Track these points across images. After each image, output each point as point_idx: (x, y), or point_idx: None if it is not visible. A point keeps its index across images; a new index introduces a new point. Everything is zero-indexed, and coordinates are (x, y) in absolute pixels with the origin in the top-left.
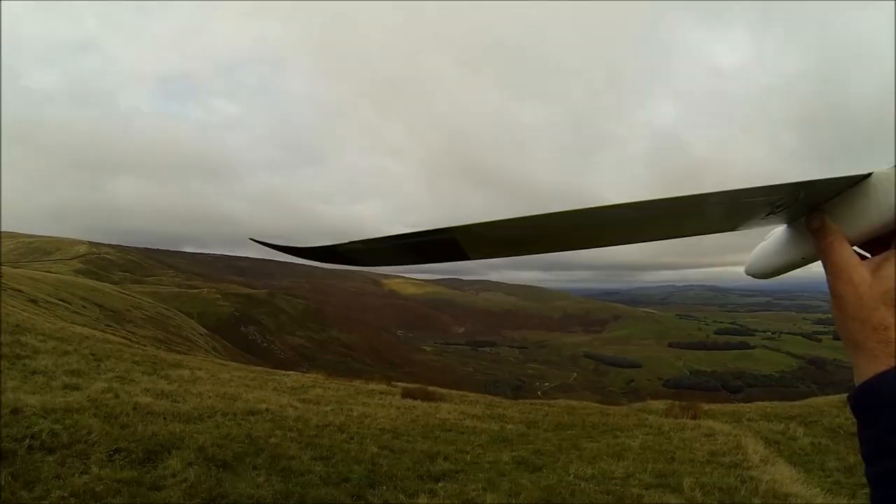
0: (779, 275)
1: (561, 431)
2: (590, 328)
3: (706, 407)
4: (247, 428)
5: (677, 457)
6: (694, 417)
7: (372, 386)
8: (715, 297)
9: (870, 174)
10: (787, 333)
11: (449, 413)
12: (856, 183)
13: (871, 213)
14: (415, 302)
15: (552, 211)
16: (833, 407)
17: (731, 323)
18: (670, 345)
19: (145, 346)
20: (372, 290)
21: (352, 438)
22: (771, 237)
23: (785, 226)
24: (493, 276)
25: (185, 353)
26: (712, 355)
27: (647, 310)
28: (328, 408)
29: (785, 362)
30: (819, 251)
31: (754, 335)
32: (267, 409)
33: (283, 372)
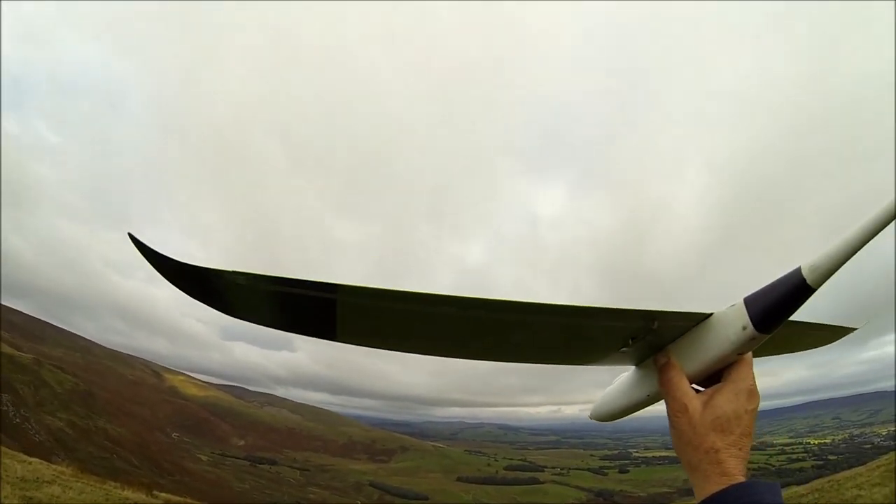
0: (624, 416)
1: None
2: (376, 457)
3: None
4: None
5: None
6: None
7: (127, 493)
8: (505, 435)
9: (711, 314)
10: (576, 469)
11: None
12: (698, 322)
13: (709, 351)
14: (195, 404)
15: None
16: None
17: (521, 459)
18: (459, 479)
19: None
20: (152, 383)
21: None
22: (616, 382)
23: (633, 369)
24: (280, 392)
25: None
26: (501, 490)
27: (436, 443)
28: None
29: (573, 495)
30: (661, 386)
31: (544, 471)
32: None
33: (24, 457)
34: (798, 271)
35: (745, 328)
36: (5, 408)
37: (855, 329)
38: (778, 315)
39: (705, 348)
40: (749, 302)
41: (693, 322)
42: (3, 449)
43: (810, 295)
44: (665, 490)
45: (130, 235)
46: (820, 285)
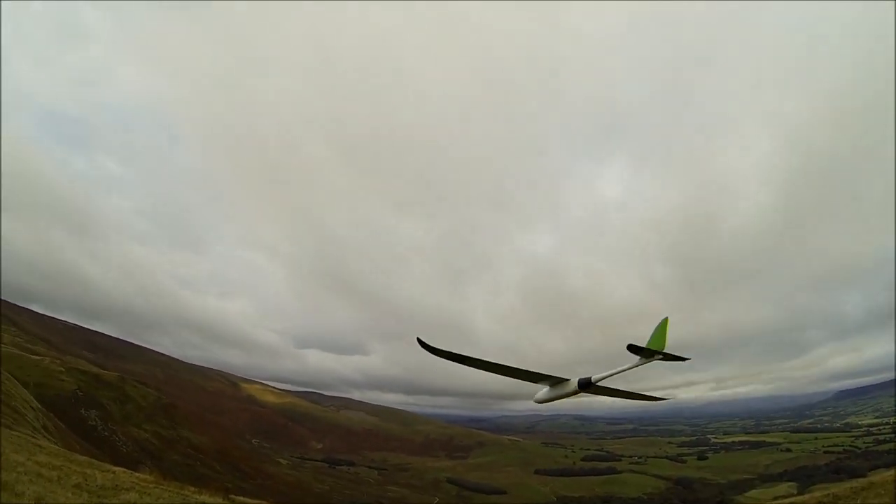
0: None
1: None
2: (454, 454)
3: None
4: None
5: None
6: None
7: (204, 497)
8: (581, 426)
9: (568, 379)
10: (653, 457)
11: None
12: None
13: (561, 392)
14: (272, 411)
15: None
16: None
17: (598, 449)
18: (537, 471)
19: None
20: (230, 393)
21: None
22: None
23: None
24: (356, 395)
25: (8, 427)
26: (579, 481)
27: (512, 437)
28: None
29: (652, 484)
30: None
31: (621, 460)
32: None
33: (107, 466)
34: (588, 378)
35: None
36: (93, 423)
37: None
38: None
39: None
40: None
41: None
42: (89, 460)
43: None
44: (746, 476)
45: (419, 340)
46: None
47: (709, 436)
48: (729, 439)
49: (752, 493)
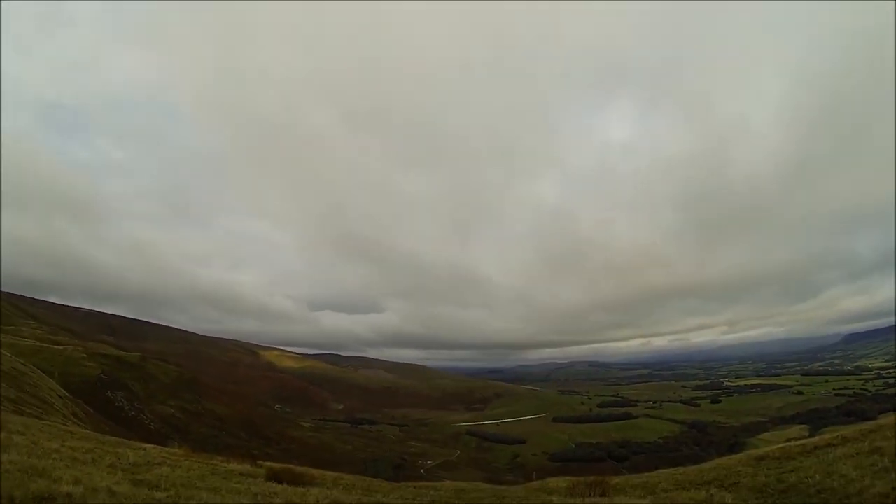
0: None
1: None
2: (472, 406)
3: (615, 481)
4: None
5: None
6: (603, 494)
7: (233, 465)
8: (597, 372)
9: None
10: (668, 402)
11: (317, 502)
12: None
13: None
14: (292, 376)
15: None
16: (746, 466)
17: (613, 395)
18: (554, 419)
19: None
20: (249, 361)
21: None
22: None
23: None
24: (373, 354)
25: (38, 417)
26: (596, 427)
27: (529, 387)
28: (162, 494)
29: (667, 428)
30: None
31: (636, 405)
32: (68, 495)
33: (137, 444)
34: None
35: None
36: (120, 404)
37: None
38: None
39: None
40: None
41: None
42: (120, 439)
43: None
44: (758, 419)
45: None
46: None
47: (722, 379)
48: (742, 383)
49: (765, 435)
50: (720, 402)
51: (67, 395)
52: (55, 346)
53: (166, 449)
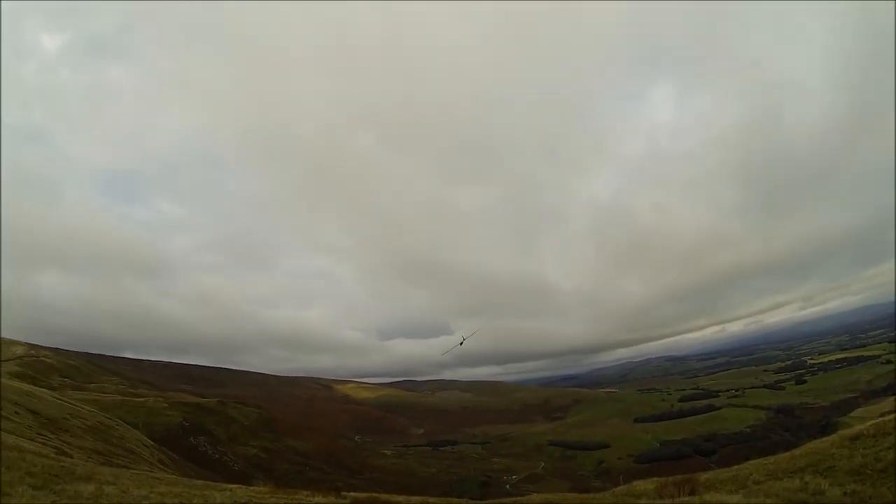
0: None
1: None
2: (552, 416)
3: (703, 477)
4: None
5: None
6: (692, 492)
7: (318, 499)
8: (673, 367)
9: None
10: (751, 388)
11: None
12: None
13: None
14: (369, 406)
15: None
16: (840, 447)
17: (693, 388)
18: (636, 420)
19: (71, 456)
20: (325, 396)
21: None
22: None
23: None
24: (448, 375)
25: (127, 467)
26: (680, 423)
27: (607, 390)
28: None
29: (753, 416)
30: None
31: (718, 396)
32: None
33: (223, 485)
34: None
35: None
36: (203, 448)
37: None
38: None
39: None
40: None
41: None
42: (206, 482)
43: None
44: (848, 395)
45: None
46: None
47: (804, 358)
48: (826, 359)
49: (858, 412)
50: (805, 381)
51: (153, 443)
52: (137, 399)
53: (252, 488)
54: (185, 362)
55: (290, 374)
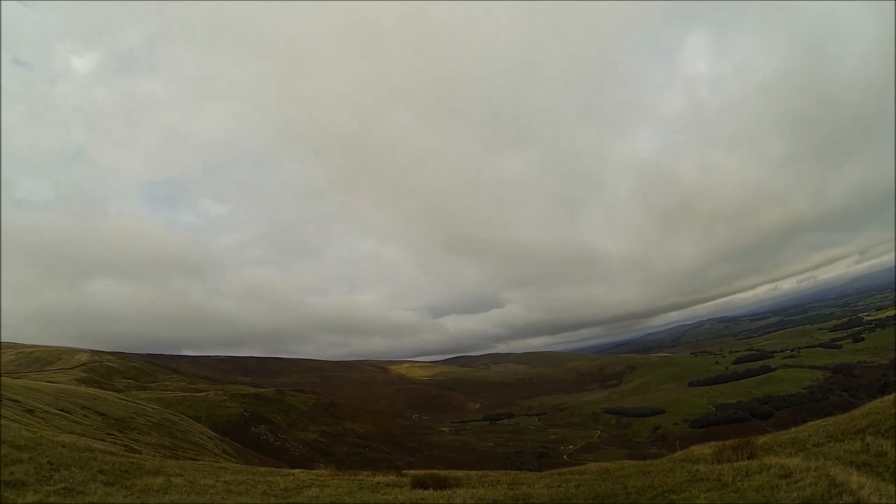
0: None
1: None
2: (606, 383)
3: (761, 440)
4: None
5: None
6: (751, 456)
7: (378, 478)
8: (726, 328)
9: None
10: (806, 348)
11: (464, 502)
12: None
13: None
14: (425, 384)
15: None
16: None
17: (747, 350)
18: (690, 384)
19: (140, 452)
20: (381, 378)
21: None
22: None
23: None
24: (502, 348)
25: (193, 459)
26: (735, 386)
27: (661, 354)
28: None
29: (810, 377)
30: None
31: (773, 357)
32: None
33: (286, 471)
34: None
35: None
36: (265, 436)
37: None
38: None
39: None
40: None
41: None
42: (269, 469)
43: None
44: None
45: None
46: None
47: (861, 315)
48: (883, 315)
49: None
50: (863, 339)
51: (216, 435)
52: (198, 394)
53: (313, 471)
54: (241, 355)
55: (345, 359)
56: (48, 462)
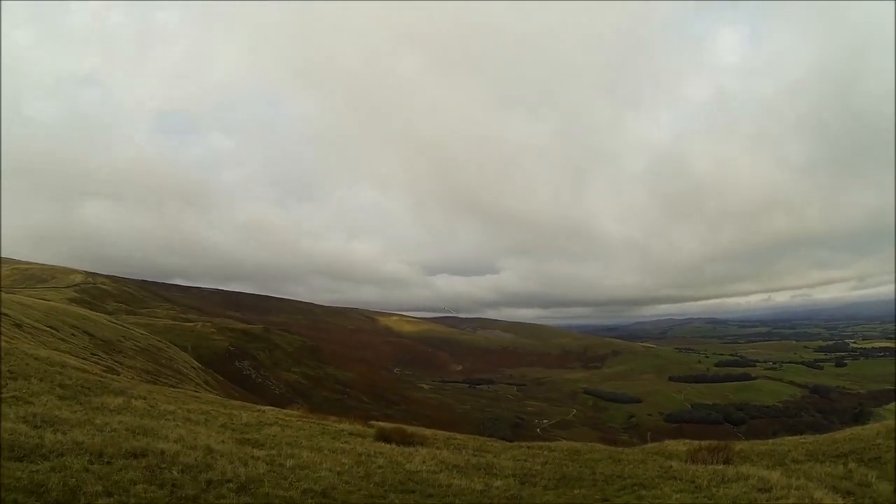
0: None
1: (565, 490)
2: (589, 364)
3: (738, 447)
4: (102, 473)
5: None
6: (727, 461)
7: (344, 425)
8: (714, 330)
9: None
10: (789, 363)
11: (423, 463)
12: None
13: None
14: (411, 339)
15: None
16: (886, 438)
17: (731, 354)
18: (671, 378)
19: (118, 373)
20: (369, 328)
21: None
22: None
23: None
24: (491, 314)
25: (172, 386)
26: (713, 388)
27: (646, 344)
28: (262, 452)
29: (787, 392)
30: None
31: (755, 366)
32: (161, 452)
33: (257, 407)
34: None
35: None
36: (247, 372)
37: None
38: None
39: None
40: None
41: None
42: (243, 403)
43: None
44: (886, 387)
45: None
46: None
47: (847, 340)
48: (869, 345)
49: (892, 405)
50: (845, 364)
51: (200, 366)
52: (187, 324)
53: (284, 410)
54: (232, 290)
55: (335, 305)
56: (8, 371)
